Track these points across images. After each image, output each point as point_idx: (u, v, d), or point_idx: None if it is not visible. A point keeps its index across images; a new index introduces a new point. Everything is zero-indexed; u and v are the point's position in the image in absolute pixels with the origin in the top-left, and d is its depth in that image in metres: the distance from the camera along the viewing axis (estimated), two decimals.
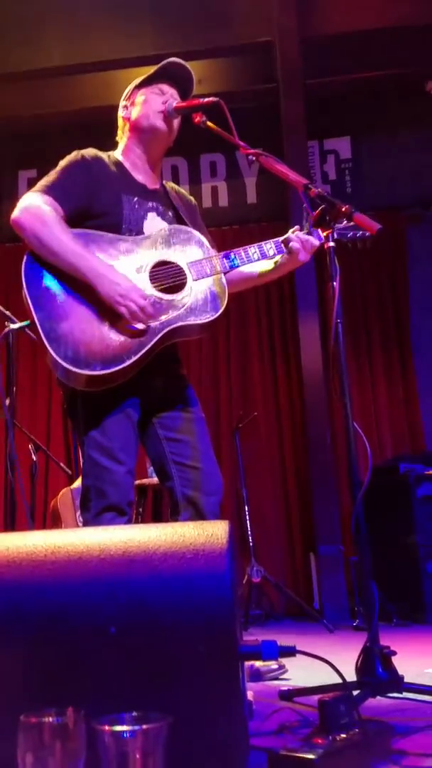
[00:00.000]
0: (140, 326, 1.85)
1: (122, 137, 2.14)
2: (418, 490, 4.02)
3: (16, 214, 1.88)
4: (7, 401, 3.80)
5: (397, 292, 5.15)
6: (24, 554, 1.26)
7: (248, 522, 4.18)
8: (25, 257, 1.88)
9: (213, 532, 1.26)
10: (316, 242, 2.05)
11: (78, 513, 3.72)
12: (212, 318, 1.92)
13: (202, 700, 1.20)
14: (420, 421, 4.98)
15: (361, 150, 5.38)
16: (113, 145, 2.17)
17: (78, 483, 3.81)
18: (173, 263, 1.96)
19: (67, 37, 4.97)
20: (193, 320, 1.90)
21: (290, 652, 1.26)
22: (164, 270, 1.95)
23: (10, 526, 3.71)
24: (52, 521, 3.86)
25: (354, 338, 4.82)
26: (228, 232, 5.12)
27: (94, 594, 1.24)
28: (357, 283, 5.02)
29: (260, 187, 5.39)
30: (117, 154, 2.12)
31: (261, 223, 5.23)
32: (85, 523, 1.91)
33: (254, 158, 2.08)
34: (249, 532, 4.15)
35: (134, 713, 1.03)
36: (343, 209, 1.87)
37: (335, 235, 1.94)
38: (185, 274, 1.95)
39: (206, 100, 2.07)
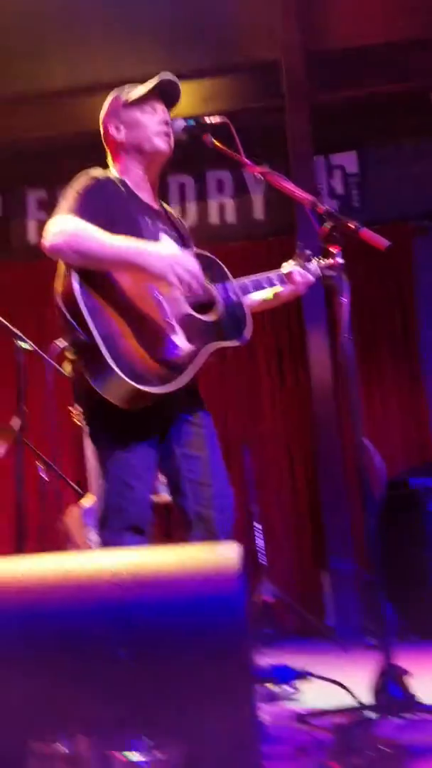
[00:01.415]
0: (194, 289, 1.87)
1: (117, 158, 2.12)
2: (429, 504, 3.98)
3: (48, 239, 1.85)
4: (18, 420, 3.81)
5: (404, 304, 5.14)
6: (35, 579, 1.25)
7: (259, 539, 4.15)
8: (73, 279, 1.83)
9: (224, 555, 1.24)
10: (312, 278, 2.20)
11: (87, 532, 3.71)
12: (244, 340, 2.01)
13: (216, 726, 1.18)
14: (429, 433, 4.95)
15: (368, 164, 5.39)
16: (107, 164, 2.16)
17: (86, 501, 3.80)
18: (205, 287, 1.99)
19: (73, 59, 5.03)
20: (230, 341, 1.98)
21: (304, 676, 1.24)
22: (197, 294, 1.98)
23: (19, 544, 3.71)
24: (61, 540, 3.84)
25: (362, 350, 4.80)
26: (236, 248, 5.13)
27: (105, 619, 1.22)
28: (364, 295, 5.00)
29: (268, 203, 5.41)
30: (115, 173, 2.10)
31: (269, 239, 5.24)
32: (104, 542, 1.89)
33: (261, 177, 2.09)
34: (260, 550, 4.12)
35: (147, 740, 1.01)
36: (350, 226, 1.88)
37: (318, 273, 2.18)
38: (216, 298, 2.00)
39: (214, 120, 2.08)
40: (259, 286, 2.12)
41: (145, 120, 2.05)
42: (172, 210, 2.26)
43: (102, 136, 2.14)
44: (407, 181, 5.28)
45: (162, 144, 2.04)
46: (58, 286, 1.89)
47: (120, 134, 2.07)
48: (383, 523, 1.86)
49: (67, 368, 1.94)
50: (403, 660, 1.70)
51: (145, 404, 1.83)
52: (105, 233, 1.85)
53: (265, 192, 5.45)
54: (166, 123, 2.05)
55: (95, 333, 1.77)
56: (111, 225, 1.92)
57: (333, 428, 4.57)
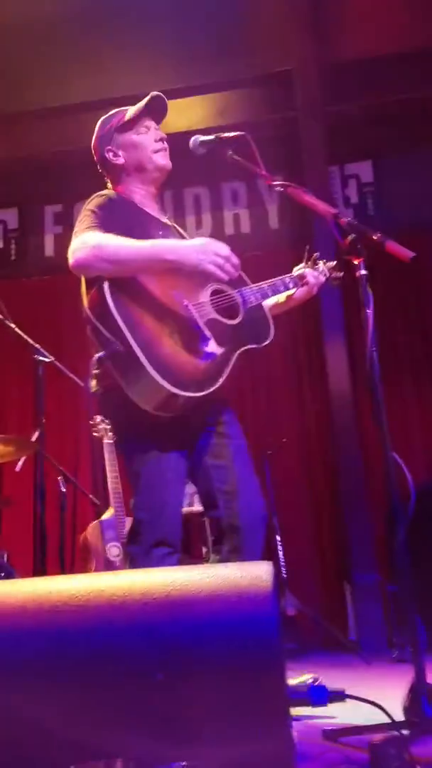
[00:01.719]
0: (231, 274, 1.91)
1: (118, 181, 2.14)
2: None
3: (74, 257, 1.85)
4: (37, 434, 3.82)
5: (423, 313, 5.11)
6: (67, 598, 1.24)
7: (281, 552, 4.12)
8: (105, 289, 1.83)
9: (257, 574, 1.23)
10: (323, 279, 2.26)
11: (108, 546, 3.70)
12: (268, 342, 2.03)
13: (252, 747, 1.17)
14: None
15: (382, 173, 5.38)
16: (105, 187, 2.17)
17: (108, 515, 3.79)
18: (227, 292, 2.02)
19: (90, 74, 5.08)
20: (255, 344, 2.00)
21: (340, 696, 1.22)
22: (221, 298, 2.01)
23: (41, 560, 3.71)
24: (82, 554, 3.83)
25: (381, 362, 4.77)
26: (251, 258, 5.12)
27: (137, 639, 1.21)
28: (383, 306, 4.98)
29: (282, 213, 5.42)
30: (122, 193, 2.11)
31: (284, 249, 5.23)
32: (134, 557, 1.89)
33: (281, 189, 2.09)
34: (282, 563, 4.09)
35: (184, 763, 1.00)
36: (375, 237, 1.87)
37: (327, 273, 2.24)
38: (238, 302, 2.02)
39: (232, 134, 2.09)
40: (276, 290, 2.16)
41: (141, 140, 2.09)
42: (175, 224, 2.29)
43: (97, 162, 2.16)
44: (422, 190, 5.26)
45: (162, 160, 2.09)
46: (86, 302, 1.90)
47: (119, 158, 2.11)
48: (407, 534, 1.83)
49: (92, 383, 1.94)
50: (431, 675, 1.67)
51: (178, 410, 1.83)
52: (128, 239, 1.87)
53: (279, 202, 5.45)
54: (162, 139, 2.10)
55: (132, 342, 1.77)
56: (127, 237, 1.93)
57: (353, 439, 4.54)
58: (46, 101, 5.13)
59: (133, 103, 2.16)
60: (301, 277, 2.22)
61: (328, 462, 4.84)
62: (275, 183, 2.08)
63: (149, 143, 2.08)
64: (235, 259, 1.92)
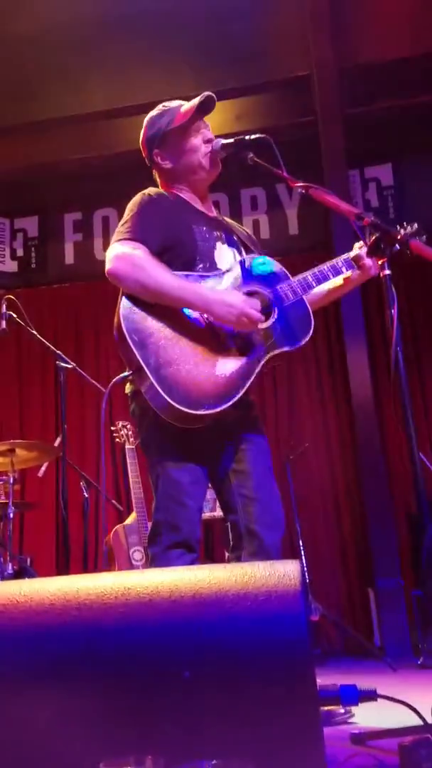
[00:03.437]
0: (262, 325, 1.90)
1: (166, 181, 2.15)
2: None
3: (111, 266, 1.88)
4: (59, 439, 3.84)
5: None
6: (95, 596, 1.24)
7: (303, 557, 4.09)
8: (122, 303, 1.87)
9: (285, 573, 1.22)
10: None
11: (132, 551, 3.71)
12: (305, 342, 1.98)
13: (282, 747, 1.16)
14: None
15: (403, 176, 5.36)
16: (155, 184, 2.19)
17: (130, 520, 3.80)
18: (259, 292, 1.98)
19: (109, 82, 5.13)
20: (288, 347, 1.96)
21: (371, 696, 1.21)
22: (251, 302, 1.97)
23: (64, 564, 3.72)
24: (105, 559, 3.84)
25: (404, 360, 4.74)
26: None
27: (166, 637, 1.21)
28: (404, 308, 4.95)
29: (302, 219, 5.41)
30: (168, 189, 2.13)
31: (304, 254, 5.22)
32: (153, 557, 1.90)
33: (304, 191, 2.08)
34: (305, 568, 4.06)
35: (214, 761, 0.99)
36: (399, 237, 1.85)
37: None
38: (272, 302, 1.97)
39: (254, 136, 2.09)
40: (324, 278, 2.06)
41: (191, 144, 2.07)
42: (232, 221, 2.28)
43: (145, 158, 2.17)
44: None
45: (212, 166, 2.07)
46: (114, 315, 1.92)
47: (167, 163, 2.10)
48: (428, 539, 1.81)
49: (128, 386, 1.96)
50: None
51: (203, 423, 1.84)
52: (166, 272, 1.88)
53: (299, 207, 5.45)
54: (210, 140, 2.07)
55: (142, 362, 1.80)
56: (166, 239, 1.96)
57: (375, 443, 4.50)
58: (65, 109, 5.18)
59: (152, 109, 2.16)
60: (357, 258, 2.10)
61: (350, 466, 4.81)
62: (298, 185, 2.08)
63: (200, 147, 2.07)
64: (259, 319, 1.90)
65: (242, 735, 1.15)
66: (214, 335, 1.89)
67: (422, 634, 3.74)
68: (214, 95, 2.10)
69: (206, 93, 2.09)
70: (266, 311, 1.96)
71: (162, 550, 1.85)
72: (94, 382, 3.58)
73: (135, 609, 1.23)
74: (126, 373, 1.95)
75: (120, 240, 1.92)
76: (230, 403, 1.83)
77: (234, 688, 1.16)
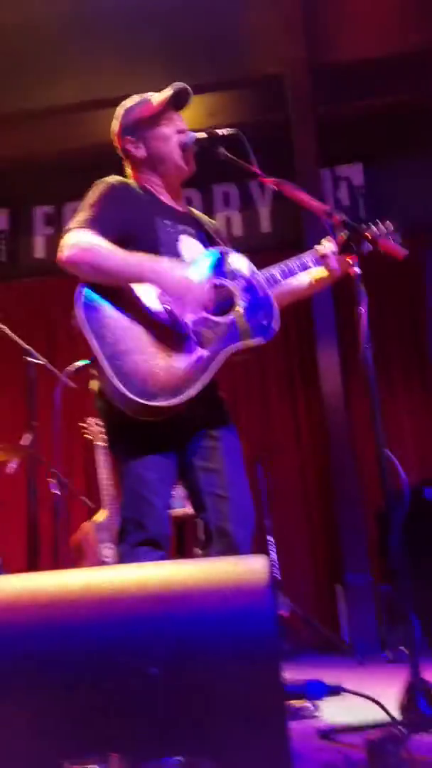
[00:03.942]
0: (225, 318, 1.86)
1: (137, 171, 2.12)
2: None
3: (65, 252, 1.86)
4: (28, 436, 3.79)
5: (415, 315, 5.13)
6: (60, 594, 1.23)
7: (273, 553, 4.11)
8: (79, 294, 1.84)
9: (252, 568, 1.22)
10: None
11: (101, 548, 3.68)
12: (269, 336, 1.93)
13: (249, 742, 1.15)
14: None
15: (374, 176, 5.40)
16: (125, 176, 2.17)
17: (100, 517, 3.77)
18: (222, 285, 1.96)
19: (81, 75, 5.08)
20: (250, 341, 1.91)
21: (337, 691, 1.21)
22: (215, 293, 1.95)
23: (33, 561, 3.68)
24: (75, 556, 3.81)
25: (374, 362, 4.78)
26: None
27: (132, 633, 1.20)
28: (375, 307, 5.00)
29: (274, 216, 5.43)
30: (138, 181, 2.10)
31: (276, 252, 5.23)
32: (121, 555, 1.88)
33: (275, 187, 2.08)
34: (275, 564, 4.07)
35: (180, 758, 0.99)
36: (368, 235, 1.87)
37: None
38: (235, 296, 1.95)
39: (226, 131, 2.07)
40: (291, 273, 2.03)
41: (163, 134, 2.04)
42: (202, 214, 2.26)
43: (118, 149, 2.14)
44: (414, 193, 5.29)
45: (181, 160, 2.04)
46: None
47: (140, 151, 2.08)
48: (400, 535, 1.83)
49: (91, 382, 1.94)
50: (427, 674, 1.66)
51: (163, 416, 1.82)
52: (120, 250, 1.85)
53: (271, 205, 5.46)
54: (184, 131, 2.05)
55: (99, 351, 1.78)
56: (126, 228, 1.93)
57: (346, 441, 4.54)
58: (36, 102, 5.11)
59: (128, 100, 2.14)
60: (324, 255, 2.05)
61: (320, 464, 4.84)
62: (268, 180, 2.07)
63: (173, 139, 2.04)
64: (209, 303, 1.88)
65: (208, 731, 1.15)
66: (175, 326, 1.87)
67: (390, 630, 3.78)
68: (189, 88, 2.08)
69: (180, 83, 2.07)
70: (230, 304, 1.94)
71: (130, 548, 1.84)
72: (64, 378, 3.53)
73: (101, 606, 1.22)
74: (83, 362, 1.92)
75: (74, 228, 1.90)
76: (187, 395, 1.80)
77: (201, 684, 1.16)
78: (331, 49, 5.09)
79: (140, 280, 1.86)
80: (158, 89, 2.11)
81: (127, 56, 5.03)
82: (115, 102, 2.20)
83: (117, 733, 1.14)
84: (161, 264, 1.88)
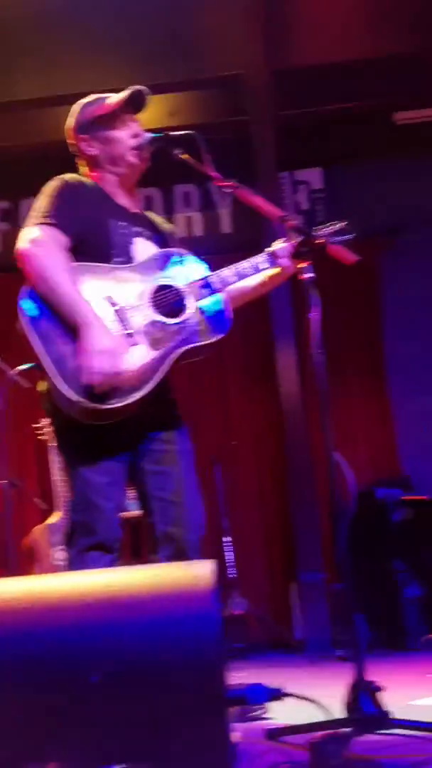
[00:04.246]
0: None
1: (91, 170, 2.12)
2: (395, 516, 4.02)
3: (24, 246, 1.85)
4: None
5: (370, 318, 5.21)
6: (3, 601, 1.21)
7: (229, 553, 4.13)
8: (24, 294, 1.83)
9: (198, 573, 1.23)
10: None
11: (54, 551, 3.64)
12: (219, 337, 1.94)
13: (189, 748, 1.16)
14: (395, 444, 5.00)
15: (332, 180, 5.46)
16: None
17: (53, 519, 3.73)
18: (173, 287, 1.96)
19: (38, 70, 4.99)
20: (200, 342, 1.92)
21: (278, 695, 1.23)
22: (165, 294, 1.95)
23: None
24: (27, 559, 3.76)
25: (329, 364, 4.83)
26: (203, 261, 5.14)
27: (75, 641, 1.20)
28: (331, 310, 5.05)
29: (235, 218, 5.44)
30: (92, 181, 2.09)
31: (236, 253, 5.23)
32: (70, 560, 1.87)
33: (230, 191, 2.10)
34: (231, 563, 4.10)
35: (122, 765, 0.99)
36: (318, 241, 1.89)
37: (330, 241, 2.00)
38: (186, 296, 1.95)
39: (182, 132, 2.08)
40: (243, 275, 2.04)
41: (117, 135, 2.04)
42: (161, 218, 2.26)
43: (72, 147, 2.13)
44: (371, 198, 5.36)
45: (136, 159, 2.04)
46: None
47: (93, 149, 2.07)
48: (350, 534, 1.86)
49: (39, 384, 1.92)
50: (373, 671, 1.70)
51: (112, 419, 1.81)
52: (71, 278, 1.83)
53: (232, 206, 5.47)
54: (138, 135, 2.04)
55: (45, 357, 1.77)
56: (79, 229, 1.92)
57: (302, 441, 4.58)
58: None
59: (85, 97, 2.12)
60: (275, 255, 2.06)
61: (277, 464, 4.88)
62: (224, 184, 2.08)
63: (127, 140, 2.04)
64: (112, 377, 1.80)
65: (150, 738, 1.15)
66: (124, 328, 1.86)
67: (342, 628, 3.84)
68: (145, 91, 2.08)
69: (136, 87, 2.07)
70: (180, 306, 1.94)
71: (78, 553, 1.83)
72: (17, 377, 3.48)
73: (43, 614, 1.21)
74: (27, 365, 1.90)
75: (39, 224, 1.88)
76: (136, 397, 1.80)
77: (143, 691, 1.16)
78: (291, 53, 5.11)
79: (67, 315, 1.81)
80: (117, 87, 2.10)
81: (86, 54, 4.97)
82: (74, 99, 2.19)
83: (58, 742, 1.13)
84: (90, 318, 1.81)
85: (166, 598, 1.20)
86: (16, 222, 5.52)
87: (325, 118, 5.30)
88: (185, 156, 2.06)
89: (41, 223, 1.88)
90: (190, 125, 5.18)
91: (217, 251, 5.28)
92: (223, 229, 5.48)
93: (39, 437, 3.81)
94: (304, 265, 1.96)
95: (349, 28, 5.06)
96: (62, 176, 2.02)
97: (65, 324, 1.82)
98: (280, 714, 2.24)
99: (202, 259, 2.02)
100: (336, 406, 4.95)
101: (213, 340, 1.94)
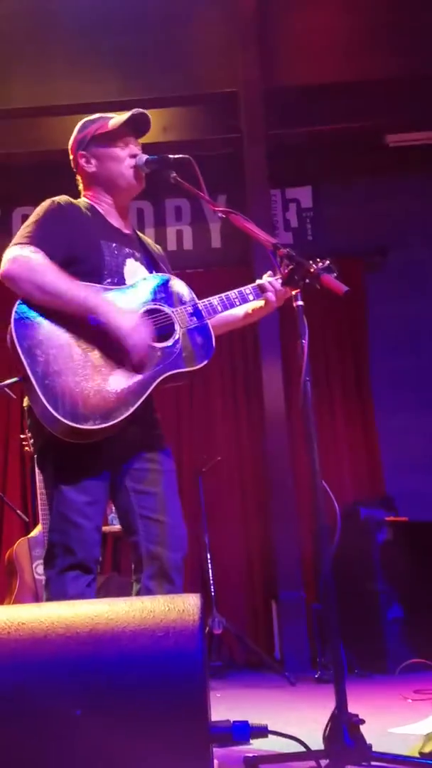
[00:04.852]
0: (141, 368, 1.87)
1: (88, 187, 2.14)
2: (378, 536, 4.03)
3: (5, 267, 1.85)
4: None
5: (355, 338, 5.24)
6: None
7: (210, 570, 4.11)
8: (16, 308, 1.83)
9: (184, 608, 1.23)
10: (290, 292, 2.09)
11: (35, 564, 3.61)
12: (202, 365, 1.96)
13: None
14: (379, 463, 5.03)
15: (322, 199, 5.51)
16: (77, 188, 2.17)
17: (36, 532, 3.70)
18: (162, 311, 1.97)
19: (34, 80, 5.00)
20: (184, 368, 1.93)
21: (262, 732, 1.23)
22: (153, 318, 1.96)
23: None
24: (7, 573, 3.72)
25: (314, 385, 4.84)
26: (193, 275, 5.13)
27: (58, 674, 1.19)
28: (317, 329, 5.08)
29: (224, 233, 5.46)
30: (86, 200, 2.11)
31: (225, 268, 5.27)
32: (48, 580, 1.87)
33: (223, 216, 2.11)
34: (211, 581, 4.08)
35: None
36: (311, 270, 1.91)
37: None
38: (174, 322, 1.96)
39: (178, 156, 2.09)
40: (230, 304, 2.06)
41: (116, 154, 2.06)
42: (151, 240, 2.27)
43: (71, 163, 2.15)
44: (360, 218, 5.41)
45: (132, 180, 2.06)
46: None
47: (91, 167, 2.09)
48: (334, 553, 1.87)
49: (25, 399, 1.91)
50: (351, 694, 1.69)
51: (93, 439, 1.81)
52: (65, 275, 1.85)
53: (222, 221, 5.49)
54: (135, 155, 2.06)
55: (29, 371, 1.77)
56: (70, 249, 1.93)
57: (285, 461, 4.59)
58: None
59: (80, 111, 2.14)
60: (262, 288, 2.11)
61: (259, 482, 4.88)
62: (218, 209, 2.10)
63: (124, 160, 2.05)
64: (143, 352, 1.88)
65: None
66: (109, 349, 1.87)
67: (321, 648, 3.84)
68: (148, 115, 2.10)
69: (139, 110, 2.09)
70: (168, 331, 1.95)
71: (57, 573, 1.83)
72: (5, 389, 3.46)
73: (27, 645, 1.20)
74: (13, 379, 1.90)
75: (18, 243, 1.89)
76: (118, 420, 1.80)
77: (125, 727, 1.15)
78: (285, 73, 5.17)
79: (84, 308, 1.84)
80: (112, 100, 2.12)
81: (80, 65, 4.99)
82: (69, 110, 2.20)
83: None
84: (107, 304, 1.87)
85: (152, 633, 1.19)
86: (6, 231, 5.50)
87: (316, 137, 5.35)
88: (181, 180, 2.08)
89: (22, 243, 1.89)
90: (182, 140, 5.24)
91: (207, 266, 5.31)
92: (213, 244, 5.50)
93: (25, 449, 3.79)
94: (295, 292, 1.98)
95: (342, 49, 5.13)
96: (55, 198, 2.03)
97: (54, 340, 1.81)
98: (258, 741, 2.23)
99: (191, 273, 2.03)
100: (320, 424, 4.97)
101: (196, 367, 1.95)
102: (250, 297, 2.10)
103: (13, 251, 1.87)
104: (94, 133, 2.08)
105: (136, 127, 2.09)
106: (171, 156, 2.10)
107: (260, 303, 2.13)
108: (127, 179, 2.06)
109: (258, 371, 4.80)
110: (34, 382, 1.76)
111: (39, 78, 5.03)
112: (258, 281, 2.14)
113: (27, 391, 1.83)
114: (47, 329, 1.83)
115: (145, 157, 2.09)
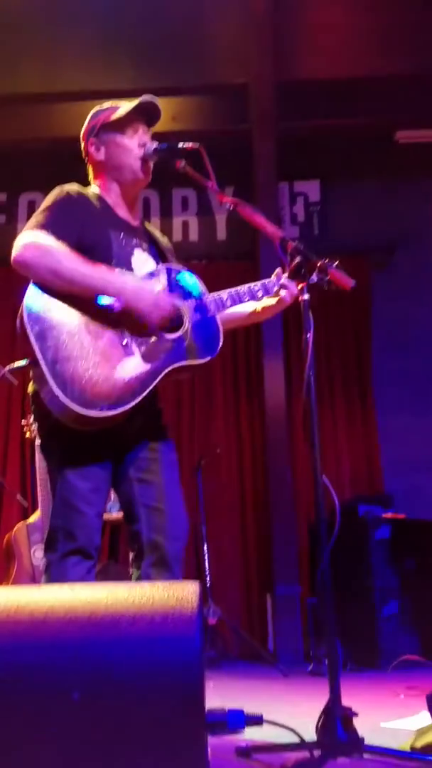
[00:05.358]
0: (171, 336, 1.89)
1: (97, 176, 2.13)
2: (376, 533, 4.04)
3: (19, 252, 1.83)
4: None
5: (359, 335, 5.23)
6: None
7: (207, 561, 4.13)
8: (28, 292, 1.82)
9: (183, 595, 1.23)
10: (296, 290, 2.09)
11: (33, 549, 3.63)
12: (210, 359, 1.96)
13: None
14: (378, 461, 5.04)
15: (330, 194, 5.49)
16: (87, 175, 2.16)
17: (34, 518, 3.72)
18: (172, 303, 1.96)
19: (45, 66, 4.97)
20: (192, 361, 1.93)
21: (257, 721, 1.24)
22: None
23: None
24: (6, 557, 3.74)
25: (316, 376, 4.86)
26: (197, 266, 5.13)
27: (57, 657, 1.19)
28: (320, 325, 5.07)
29: (230, 225, 5.45)
30: (95, 189, 2.10)
31: (229, 261, 5.26)
32: (49, 564, 1.88)
33: (232, 207, 2.10)
34: (207, 572, 4.10)
35: None
36: (319, 264, 1.91)
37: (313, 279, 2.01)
38: (183, 314, 1.96)
39: (187, 145, 2.07)
40: (239, 300, 2.05)
41: (125, 143, 2.04)
42: (159, 232, 2.26)
43: (82, 151, 2.13)
44: (367, 215, 5.40)
45: (140, 171, 2.05)
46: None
47: (100, 154, 2.07)
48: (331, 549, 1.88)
49: (29, 385, 1.91)
50: (344, 689, 1.70)
51: (99, 426, 1.81)
52: (80, 259, 1.84)
53: (228, 214, 5.48)
54: (145, 144, 2.04)
55: (40, 356, 1.76)
56: (80, 240, 1.92)
57: (284, 455, 4.60)
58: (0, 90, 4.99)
59: (93, 99, 2.12)
60: (269, 288, 2.10)
61: (258, 475, 4.89)
62: (226, 199, 2.09)
63: (133, 150, 2.04)
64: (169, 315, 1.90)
65: (128, 758, 1.15)
66: (120, 337, 1.87)
67: (314, 642, 3.85)
68: (157, 102, 2.08)
69: (148, 96, 2.07)
70: (177, 323, 1.95)
71: (58, 558, 1.83)
72: (8, 374, 3.46)
73: (27, 627, 1.21)
74: (21, 363, 1.89)
75: (30, 229, 1.87)
76: (125, 408, 1.80)
77: (122, 711, 1.16)
78: (297, 66, 5.14)
79: (103, 292, 1.84)
80: (123, 87, 2.10)
81: (93, 52, 4.97)
82: (79, 97, 2.18)
83: (35, 757, 1.13)
84: (127, 279, 1.87)
85: (151, 618, 1.20)
86: (12, 216, 5.50)
87: (326, 132, 5.34)
88: (190, 169, 2.06)
89: (34, 228, 1.87)
90: (192, 130, 5.22)
91: (212, 258, 5.30)
92: (219, 236, 5.49)
93: (26, 435, 3.80)
94: (301, 286, 1.98)
95: (355, 45, 5.10)
96: (64, 186, 2.01)
97: (65, 326, 1.81)
98: (250, 731, 2.24)
99: (195, 264, 2.02)
100: (322, 419, 4.98)
101: (203, 361, 1.95)
102: (260, 294, 2.09)
103: (26, 236, 1.85)
104: (104, 121, 2.07)
105: (146, 114, 2.08)
106: (180, 145, 2.09)
107: (270, 301, 2.12)
108: (134, 171, 2.05)
109: (260, 365, 4.80)
110: (43, 366, 1.75)
111: (49, 64, 5.01)
112: (269, 280, 2.11)
113: (35, 375, 1.83)
114: (58, 315, 1.82)
115: (154, 145, 2.07)
